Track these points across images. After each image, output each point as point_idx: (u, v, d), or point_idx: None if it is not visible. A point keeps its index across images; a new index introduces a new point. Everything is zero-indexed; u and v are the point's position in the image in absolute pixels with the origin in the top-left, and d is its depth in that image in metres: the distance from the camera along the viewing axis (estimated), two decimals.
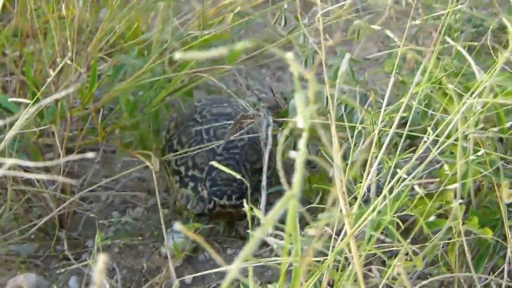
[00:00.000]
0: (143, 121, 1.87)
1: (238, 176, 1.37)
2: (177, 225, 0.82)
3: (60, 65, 1.38)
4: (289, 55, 0.70)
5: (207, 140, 1.93)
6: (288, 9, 1.97)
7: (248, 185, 1.88)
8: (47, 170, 1.94)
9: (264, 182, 1.70)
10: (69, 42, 1.59)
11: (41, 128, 1.76)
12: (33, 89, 1.78)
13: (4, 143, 1.17)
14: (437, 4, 2.01)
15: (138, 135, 1.93)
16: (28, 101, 1.38)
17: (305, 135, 0.68)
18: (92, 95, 1.84)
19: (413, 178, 1.34)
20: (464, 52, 1.31)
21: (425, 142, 1.30)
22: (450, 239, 1.58)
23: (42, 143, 2.00)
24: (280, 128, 1.83)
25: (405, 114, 1.36)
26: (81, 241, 1.92)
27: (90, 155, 0.85)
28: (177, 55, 0.62)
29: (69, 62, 1.54)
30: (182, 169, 1.94)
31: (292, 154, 0.69)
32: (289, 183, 0.72)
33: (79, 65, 1.82)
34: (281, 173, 0.82)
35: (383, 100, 1.42)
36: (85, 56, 1.82)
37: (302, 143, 0.69)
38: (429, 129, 1.32)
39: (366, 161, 1.55)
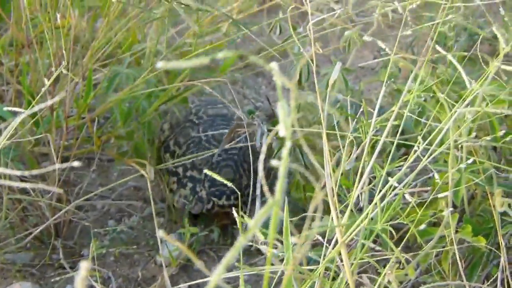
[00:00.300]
0: (138, 130, 1.87)
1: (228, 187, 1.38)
2: (168, 237, 0.83)
3: (55, 74, 1.39)
4: (273, 65, 0.71)
5: (205, 141, 1.95)
6: (285, 18, 1.98)
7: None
8: (43, 178, 1.95)
9: (258, 191, 1.71)
10: (64, 52, 1.59)
11: (37, 137, 1.76)
12: (28, 99, 1.79)
13: None
14: (432, 13, 2.02)
15: (132, 144, 1.94)
16: (22, 110, 1.39)
17: (287, 144, 0.69)
18: (87, 105, 1.85)
19: (404, 186, 1.35)
20: (454, 61, 1.31)
21: (416, 151, 1.30)
22: (444, 247, 1.58)
23: (38, 152, 2.00)
24: (275, 137, 1.84)
25: (396, 122, 1.36)
26: (76, 249, 1.92)
27: (75, 163, 0.86)
28: (159, 64, 0.63)
29: (64, 71, 1.54)
30: (180, 170, 1.95)
31: (274, 162, 0.70)
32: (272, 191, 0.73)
33: (75, 74, 1.82)
34: (263, 181, 0.82)
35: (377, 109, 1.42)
36: (80, 66, 1.83)
37: (284, 152, 0.70)
38: (419, 138, 1.33)
39: (358, 169, 1.56)
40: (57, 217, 1.85)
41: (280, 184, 0.69)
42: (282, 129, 0.67)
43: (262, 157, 1.76)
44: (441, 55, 1.57)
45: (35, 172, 1.08)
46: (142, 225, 1.99)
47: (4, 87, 2.16)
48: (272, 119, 2.11)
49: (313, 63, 1.37)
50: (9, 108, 1.40)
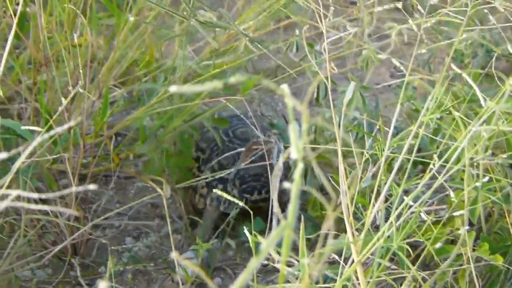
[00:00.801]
0: (157, 148, 1.88)
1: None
2: (181, 258, 0.83)
3: (72, 93, 1.40)
4: (283, 87, 0.71)
5: (228, 141, 1.98)
6: (301, 36, 1.98)
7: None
8: (61, 197, 1.96)
9: (275, 209, 1.70)
10: (81, 70, 1.61)
11: (55, 156, 1.77)
12: (46, 117, 1.80)
13: (12, 172, 1.19)
14: (447, 28, 2.02)
15: (147, 162, 1.95)
16: (40, 129, 1.40)
17: (299, 166, 0.69)
18: (105, 123, 1.86)
19: (421, 204, 1.35)
20: (470, 80, 1.31)
21: (431, 169, 1.30)
22: (461, 265, 1.57)
23: (56, 169, 2.02)
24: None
25: (413, 142, 1.36)
26: (94, 267, 1.93)
27: (92, 186, 0.86)
28: (172, 88, 0.63)
29: (81, 90, 1.55)
30: (208, 173, 1.98)
31: (286, 185, 0.70)
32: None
33: (92, 92, 1.84)
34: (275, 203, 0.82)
35: (394, 128, 1.43)
36: (97, 83, 1.84)
37: (296, 174, 0.70)
38: (435, 156, 1.32)
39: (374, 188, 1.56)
40: (75, 236, 1.86)
41: (293, 206, 0.69)
42: (293, 152, 0.68)
43: (278, 174, 1.77)
44: (458, 72, 1.57)
45: (52, 195, 1.08)
46: (159, 243, 1.99)
47: (22, 104, 2.17)
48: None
49: (329, 81, 1.38)
50: (28, 127, 1.41)
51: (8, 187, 1.87)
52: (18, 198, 1.95)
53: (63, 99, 1.41)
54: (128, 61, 1.94)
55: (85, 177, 2.00)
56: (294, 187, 0.70)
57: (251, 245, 1.97)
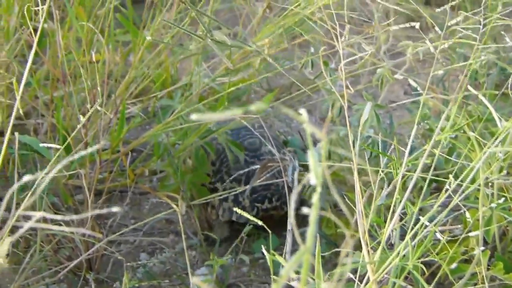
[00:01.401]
0: (172, 164, 1.89)
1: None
2: (196, 279, 0.84)
3: (91, 111, 1.41)
4: (302, 112, 0.72)
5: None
6: (317, 53, 1.99)
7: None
8: (76, 212, 1.98)
9: (289, 226, 1.71)
10: (99, 88, 1.62)
11: (72, 172, 1.79)
12: (63, 134, 1.82)
13: (36, 195, 1.20)
14: (462, 48, 2.03)
15: (166, 178, 1.96)
16: (58, 146, 1.41)
17: (318, 190, 0.70)
18: (121, 139, 1.87)
19: (436, 224, 1.35)
20: (485, 100, 1.32)
21: (447, 190, 1.31)
22: (475, 284, 1.58)
23: (72, 184, 2.03)
24: (307, 172, 1.85)
25: (428, 161, 1.37)
26: (109, 282, 1.94)
27: (115, 209, 0.87)
28: (193, 117, 0.64)
29: (99, 108, 1.57)
30: (219, 185, 2.00)
31: (305, 210, 0.71)
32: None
33: (108, 109, 1.85)
34: (294, 227, 0.83)
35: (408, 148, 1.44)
36: (114, 100, 1.86)
37: (315, 198, 0.71)
38: (451, 176, 1.33)
39: (390, 206, 1.56)
40: (90, 252, 1.87)
41: (311, 230, 0.70)
42: (312, 178, 0.69)
43: (295, 191, 1.78)
44: (469, 93, 1.58)
45: (76, 217, 1.10)
46: (174, 259, 2.00)
47: (38, 120, 2.19)
48: (305, 153, 2.13)
49: (345, 99, 1.39)
50: (45, 145, 1.42)
51: (23, 200, 1.89)
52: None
53: (81, 116, 1.42)
54: (145, 79, 1.95)
55: (100, 192, 2.01)
56: (312, 211, 0.71)
57: (265, 261, 1.99)
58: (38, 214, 0.78)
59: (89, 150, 0.92)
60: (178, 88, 1.91)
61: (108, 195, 2.07)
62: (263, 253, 2.01)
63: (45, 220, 1.85)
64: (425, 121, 1.90)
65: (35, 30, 2.20)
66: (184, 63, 2.40)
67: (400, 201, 1.38)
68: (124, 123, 1.86)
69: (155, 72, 1.99)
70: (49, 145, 1.40)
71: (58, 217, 0.81)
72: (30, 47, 2.09)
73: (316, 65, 2.03)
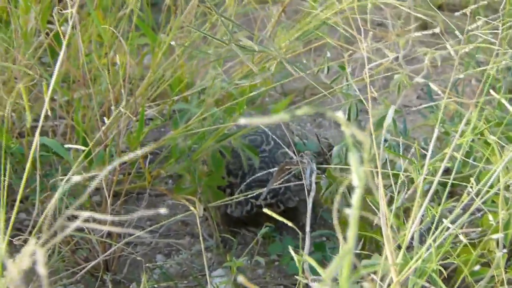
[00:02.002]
0: (189, 167, 1.91)
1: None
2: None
3: (115, 113, 1.43)
4: (340, 115, 0.74)
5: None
6: (331, 57, 2.01)
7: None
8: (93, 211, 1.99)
9: (307, 228, 1.73)
10: (122, 90, 1.64)
11: (91, 174, 1.80)
12: (83, 136, 1.84)
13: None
14: (478, 54, 2.04)
15: (182, 180, 1.97)
16: (82, 147, 1.43)
17: (359, 192, 0.71)
18: (140, 142, 1.89)
19: (458, 227, 1.37)
20: (508, 104, 1.33)
21: (469, 194, 1.32)
22: (493, 287, 1.59)
23: (89, 186, 2.04)
24: (323, 175, 1.86)
25: (449, 165, 1.38)
26: (125, 283, 1.95)
27: (162, 210, 0.89)
28: (242, 121, 0.66)
29: (122, 109, 1.58)
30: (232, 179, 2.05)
31: (347, 211, 0.72)
32: (344, 237, 0.75)
33: (128, 111, 1.87)
34: (337, 228, 0.85)
35: (424, 150, 1.45)
36: (133, 102, 1.87)
37: (355, 199, 0.72)
38: (472, 179, 1.34)
39: (407, 208, 1.58)
40: (108, 253, 1.88)
41: (352, 232, 0.71)
42: (355, 180, 0.70)
43: (312, 194, 1.79)
44: (489, 97, 1.59)
45: (119, 218, 1.11)
46: (190, 260, 2.02)
47: (56, 122, 2.21)
48: (321, 156, 2.15)
49: (369, 103, 1.40)
50: (69, 146, 1.44)
51: (42, 203, 1.91)
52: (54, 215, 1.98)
53: (105, 119, 1.43)
54: (163, 83, 1.97)
55: (117, 194, 2.03)
56: (353, 212, 0.72)
57: (280, 263, 2.01)
58: (85, 214, 0.80)
59: (127, 157, 0.93)
60: (195, 92, 1.93)
61: (126, 197, 2.08)
62: (278, 255, 2.04)
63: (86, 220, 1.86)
64: (441, 125, 1.92)
65: (51, 31, 2.23)
66: (199, 66, 2.41)
67: (421, 205, 1.39)
68: (143, 125, 1.88)
69: (173, 77, 2.00)
70: (73, 146, 1.42)
71: (108, 217, 0.82)
72: (48, 48, 2.11)
73: (331, 69, 2.05)
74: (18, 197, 1.34)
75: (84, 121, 2.00)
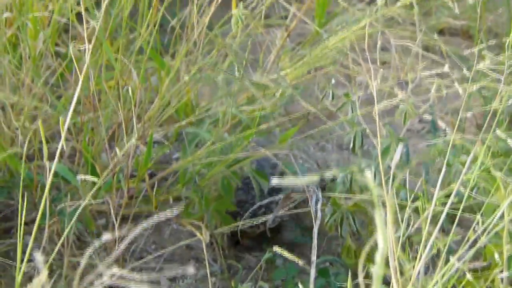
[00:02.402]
0: (197, 192, 1.93)
1: None
2: None
3: (127, 146, 1.45)
4: (368, 175, 0.76)
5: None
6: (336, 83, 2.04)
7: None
8: (99, 236, 2.01)
9: (313, 257, 1.75)
10: (133, 114, 1.66)
11: (99, 201, 1.82)
12: (91, 162, 1.86)
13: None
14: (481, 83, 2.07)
15: (190, 205, 2.00)
16: (94, 179, 1.45)
17: (383, 251, 0.74)
18: (147, 168, 1.91)
19: (463, 261, 1.39)
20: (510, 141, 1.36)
21: (475, 230, 1.35)
22: None
23: (96, 209, 2.07)
24: (328, 203, 1.89)
25: (455, 200, 1.41)
26: None
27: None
28: (275, 181, 0.68)
29: (134, 141, 1.60)
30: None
31: (374, 271, 0.74)
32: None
33: (135, 136, 1.89)
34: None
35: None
36: (141, 127, 1.90)
37: (379, 258, 0.75)
38: (478, 216, 1.37)
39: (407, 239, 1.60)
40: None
41: (377, 281, 0.73)
42: (380, 241, 0.72)
43: (317, 222, 1.81)
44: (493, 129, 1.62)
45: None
46: (195, 286, 2.03)
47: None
48: (321, 184, 2.17)
49: (378, 136, 1.43)
50: (81, 176, 1.46)
51: (49, 227, 1.93)
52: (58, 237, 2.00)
53: (117, 150, 1.46)
54: (171, 109, 1.99)
55: (123, 216, 2.05)
56: (376, 271, 0.74)
57: None
58: (118, 272, 0.82)
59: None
60: (205, 117, 1.95)
61: (132, 220, 2.10)
62: (282, 280, 2.06)
63: (71, 250, 1.89)
64: (443, 157, 1.94)
65: (58, 55, 2.25)
66: (203, 88, 2.43)
67: (427, 239, 1.42)
68: (151, 152, 1.90)
69: (181, 103, 2.03)
70: (84, 176, 1.44)
71: (130, 275, 0.84)
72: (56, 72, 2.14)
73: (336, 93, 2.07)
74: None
75: (91, 143, 2.02)
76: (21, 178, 1.73)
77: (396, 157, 1.41)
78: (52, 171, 1.43)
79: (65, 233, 1.41)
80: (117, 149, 1.48)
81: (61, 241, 1.43)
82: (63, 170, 1.85)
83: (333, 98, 2.05)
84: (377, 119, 1.42)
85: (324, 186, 2.18)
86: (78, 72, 1.44)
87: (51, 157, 2.18)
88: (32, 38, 2.06)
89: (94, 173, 1.92)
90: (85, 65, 1.33)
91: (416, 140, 2.60)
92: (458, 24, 2.88)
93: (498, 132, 1.40)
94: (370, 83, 1.49)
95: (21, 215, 1.36)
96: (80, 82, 1.30)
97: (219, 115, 1.97)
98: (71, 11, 1.97)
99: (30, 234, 2.11)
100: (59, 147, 1.28)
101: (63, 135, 1.29)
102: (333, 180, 2.17)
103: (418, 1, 2.02)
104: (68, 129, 2.19)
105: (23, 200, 1.96)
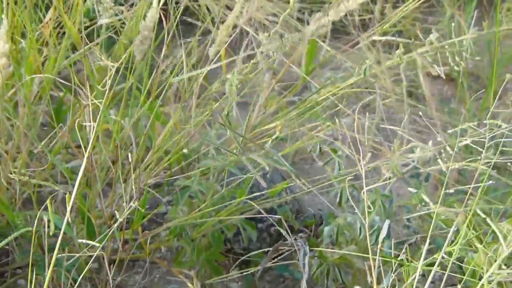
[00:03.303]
0: (188, 243, 1.99)
1: None
2: None
3: (126, 211, 1.51)
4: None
5: None
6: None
7: None
8: (92, 283, 2.07)
9: None
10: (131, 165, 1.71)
11: (94, 253, 1.88)
12: (87, 215, 1.91)
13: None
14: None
15: (181, 254, 2.06)
16: (96, 244, 1.50)
17: None
18: (141, 223, 1.97)
19: None
20: (492, 224, 1.43)
21: None
22: None
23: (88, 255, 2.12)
24: (315, 256, 1.96)
25: (438, 269, 1.48)
26: None
27: None
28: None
29: (133, 204, 1.65)
30: None
31: None
32: None
33: (128, 189, 1.95)
34: None
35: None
36: (137, 177, 1.95)
37: None
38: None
39: None
40: None
41: None
42: None
43: (305, 277, 1.88)
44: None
45: None
46: None
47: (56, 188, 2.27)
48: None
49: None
50: (81, 241, 1.52)
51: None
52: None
53: (117, 213, 1.52)
54: (164, 162, 2.06)
55: (113, 260, 2.10)
56: None
57: None
58: None
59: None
60: (196, 171, 2.01)
61: (121, 265, 2.15)
62: None
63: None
64: (423, 205, 2.00)
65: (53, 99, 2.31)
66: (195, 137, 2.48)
67: None
68: (145, 208, 1.96)
69: (175, 157, 2.09)
70: (87, 241, 1.49)
71: None
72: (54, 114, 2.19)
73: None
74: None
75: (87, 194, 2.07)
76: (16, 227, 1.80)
77: (383, 233, 1.48)
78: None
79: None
80: (116, 213, 1.54)
81: None
82: (58, 221, 1.90)
83: (320, 150, 2.12)
84: (363, 177, 1.49)
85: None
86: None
87: (43, 201, 2.24)
88: (27, 89, 2.10)
89: (89, 222, 1.97)
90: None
91: (399, 183, 2.66)
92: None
93: (477, 210, 1.47)
94: (357, 161, 1.56)
95: None
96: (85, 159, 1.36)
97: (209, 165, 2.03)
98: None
99: (25, 278, 2.17)
100: (64, 221, 1.34)
101: (68, 208, 1.34)
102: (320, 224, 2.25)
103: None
104: (61, 173, 2.25)
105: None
